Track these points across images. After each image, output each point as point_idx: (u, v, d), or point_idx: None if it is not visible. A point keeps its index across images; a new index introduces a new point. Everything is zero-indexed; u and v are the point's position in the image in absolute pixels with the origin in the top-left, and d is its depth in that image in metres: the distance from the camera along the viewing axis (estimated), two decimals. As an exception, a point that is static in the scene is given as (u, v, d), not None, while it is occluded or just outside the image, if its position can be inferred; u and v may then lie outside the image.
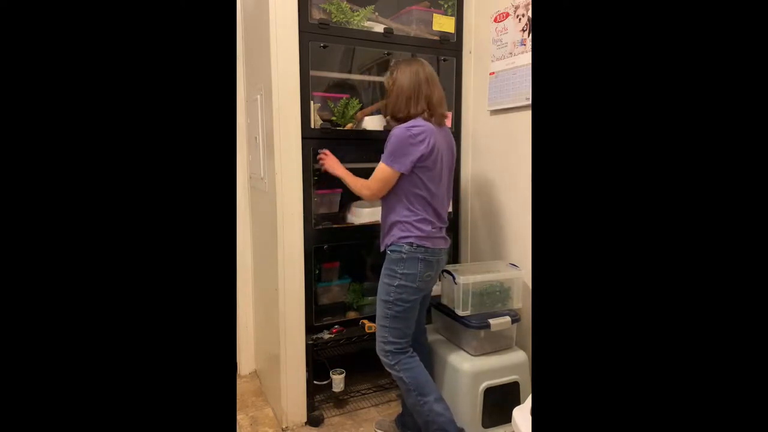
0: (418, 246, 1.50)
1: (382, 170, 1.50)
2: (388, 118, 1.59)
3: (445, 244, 1.59)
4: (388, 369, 1.57)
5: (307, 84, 1.72)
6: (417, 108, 1.50)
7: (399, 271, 1.51)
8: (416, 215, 1.51)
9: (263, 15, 1.69)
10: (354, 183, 1.60)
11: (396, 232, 1.53)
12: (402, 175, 1.49)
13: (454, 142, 1.64)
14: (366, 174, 2.21)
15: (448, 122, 2.06)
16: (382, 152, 2.38)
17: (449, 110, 2.07)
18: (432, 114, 1.51)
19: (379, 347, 1.58)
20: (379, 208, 2.05)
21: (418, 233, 1.50)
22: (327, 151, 1.71)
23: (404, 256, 1.50)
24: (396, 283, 1.51)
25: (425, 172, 1.49)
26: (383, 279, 1.55)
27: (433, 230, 1.53)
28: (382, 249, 1.59)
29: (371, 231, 1.88)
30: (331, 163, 1.68)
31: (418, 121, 1.48)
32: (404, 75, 1.51)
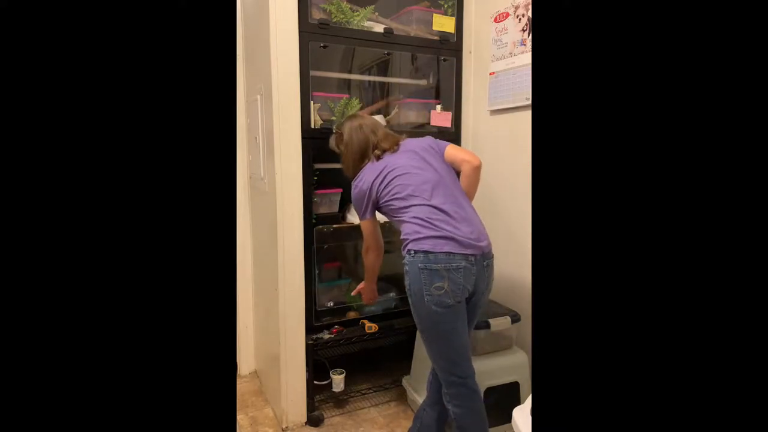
0: (416, 252, 1.31)
1: (362, 226, 1.53)
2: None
3: (459, 248, 1.30)
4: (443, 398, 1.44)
5: (307, 84, 1.72)
6: (369, 159, 1.51)
7: (407, 286, 1.36)
8: (407, 217, 1.38)
9: (263, 15, 1.69)
10: (365, 265, 1.61)
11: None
12: (375, 215, 1.51)
13: (425, 142, 1.52)
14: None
15: (446, 123, 2.05)
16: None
17: (449, 110, 2.07)
18: (381, 153, 1.50)
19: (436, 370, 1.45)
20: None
21: (415, 236, 1.33)
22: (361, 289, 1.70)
23: (407, 268, 1.35)
24: (411, 300, 1.36)
25: (385, 194, 1.44)
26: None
27: (434, 228, 1.31)
28: None
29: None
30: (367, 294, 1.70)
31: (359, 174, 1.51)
32: (352, 136, 1.53)
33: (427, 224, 1.32)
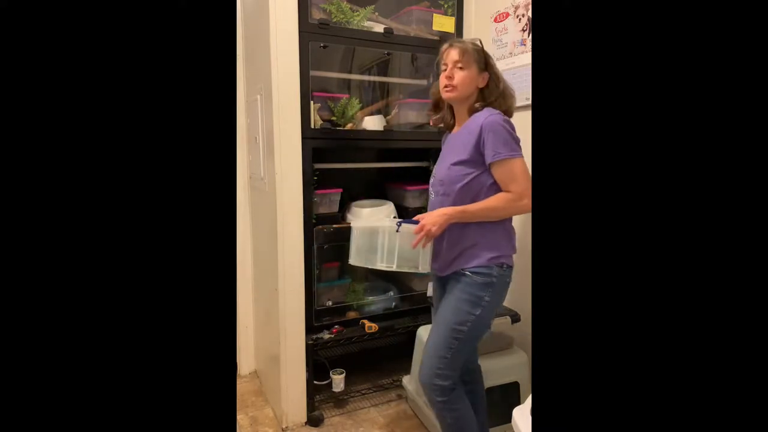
0: (508, 267, 1.26)
1: (519, 164, 1.20)
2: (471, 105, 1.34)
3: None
4: (431, 405, 1.32)
5: (307, 84, 1.72)
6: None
7: (485, 298, 1.25)
8: (505, 224, 1.27)
9: (263, 15, 1.69)
10: (497, 206, 1.22)
11: (480, 252, 1.25)
12: (484, 172, 1.24)
13: None
14: (363, 173, 2.22)
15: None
16: (383, 152, 2.35)
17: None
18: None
19: (428, 380, 1.29)
20: (379, 207, 2.06)
21: (511, 250, 1.27)
22: (422, 223, 1.22)
23: (494, 280, 1.24)
24: (477, 312, 1.25)
25: None
26: (460, 304, 1.25)
27: (514, 243, 1.30)
28: (445, 273, 1.31)
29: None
30: (438, 224, 1.22)
31: None
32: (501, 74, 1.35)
33: (514, 238, 1.31)
